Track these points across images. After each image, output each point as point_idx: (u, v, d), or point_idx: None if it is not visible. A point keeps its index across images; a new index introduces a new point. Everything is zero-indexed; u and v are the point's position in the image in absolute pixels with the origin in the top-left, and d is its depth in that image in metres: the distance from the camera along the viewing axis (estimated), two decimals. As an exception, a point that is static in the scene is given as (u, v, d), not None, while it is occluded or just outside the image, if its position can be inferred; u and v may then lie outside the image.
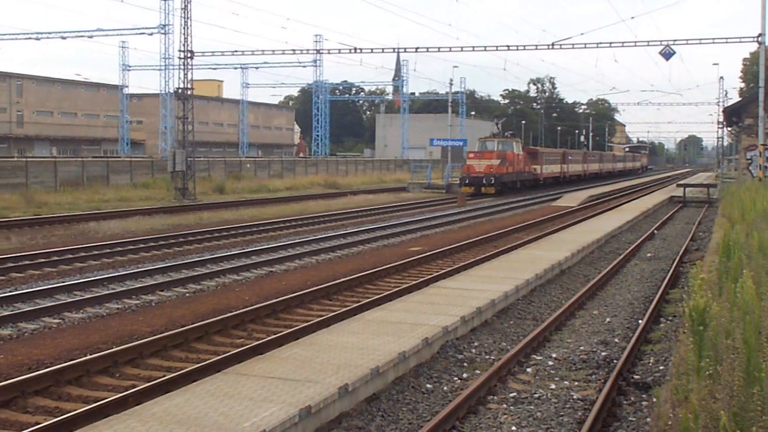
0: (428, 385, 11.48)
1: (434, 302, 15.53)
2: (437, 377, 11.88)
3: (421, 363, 12.30)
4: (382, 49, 78.26)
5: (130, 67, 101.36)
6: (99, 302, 16.98)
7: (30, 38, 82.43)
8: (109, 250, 24.32)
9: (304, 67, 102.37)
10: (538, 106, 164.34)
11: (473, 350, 13.48)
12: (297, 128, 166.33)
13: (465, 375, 12.11)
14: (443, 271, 20.98)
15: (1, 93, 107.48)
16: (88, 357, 12.31)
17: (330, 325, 14.11)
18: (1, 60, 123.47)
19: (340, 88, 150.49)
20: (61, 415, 9.76)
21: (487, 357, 13.16)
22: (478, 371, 12.25)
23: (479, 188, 55.61)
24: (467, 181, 56.22)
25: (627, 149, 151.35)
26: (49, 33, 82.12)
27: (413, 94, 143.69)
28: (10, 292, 17.77)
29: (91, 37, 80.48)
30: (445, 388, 11.46)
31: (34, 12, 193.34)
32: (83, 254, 23.37)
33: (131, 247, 25.20)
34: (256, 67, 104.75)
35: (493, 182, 55.33)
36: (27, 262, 21.66)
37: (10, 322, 14.96)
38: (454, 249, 25.82)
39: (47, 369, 11.67)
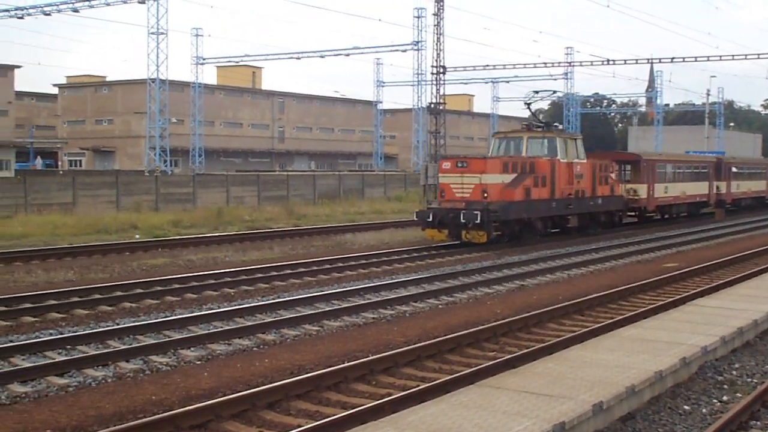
0: (686, 407, 11.09)
1: (691, 321, 14.98)
2: (695, 399, 11.45)
3: (678, 383, 11.90)
4: (636, 60, 76.56)
5: (384, 83, 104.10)
6: (356, 311, 17.55)
7: (291, 58, 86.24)
8: (364, 261, 25.09)
9: (555, 79, 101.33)
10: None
11: (734, 372, 12.89)
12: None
13: (725, 398, 11.59)
14: (700, 289, 20.21)
15: (265, 110, 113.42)
16: (346, 364, 12.73)
17: (583, 341, 13.92)
18: (266, 79, 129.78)
19: (592, 100, 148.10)
20: (321, 419, 10.14)
21: (749, 380, 12.55)
22: (739, 394, 11.70)
23: (457, 231, 29.29)
24: (430, 218, 29.45)
25: None
26: (309, 52, 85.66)
27: (667, 105, 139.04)
28: (273, 299, 18.70)
29: (348, 55, 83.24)
30: (704, 410, 11.03)
31: (294, 33, 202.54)
32: (340, 264, 24.24)
33: (385, 258, 25.90)
34: (507, 81, 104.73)
35: (482, 219, 28.19)
36: (289, 272, 22.70)
37: (273, 328, 15.72)
38: (711, 266, 24.81)
39: (308, 374, 12.17)
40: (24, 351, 13.58)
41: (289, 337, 15.29)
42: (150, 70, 68.80)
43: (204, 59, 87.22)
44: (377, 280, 22.05)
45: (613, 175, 36.77)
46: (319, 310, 17.48)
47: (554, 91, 37.08)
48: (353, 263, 24.63)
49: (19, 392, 11.45)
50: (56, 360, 13.11)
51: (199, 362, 13.38)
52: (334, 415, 10.30)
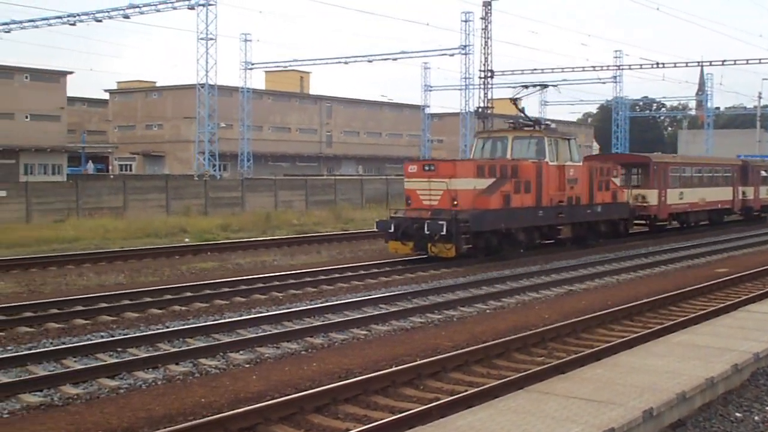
0: (737, 414, 10.94)
1: (743, 326, 14.78)
2: (747, 406, 11.29)
3: (729, 390, 11.74)
4: (686, 63, 75.92)
5: (431, 87, 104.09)
6: (404, 316, 17.56)
7: (339, 62, 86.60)
8: (411, 266, 25.08)
9: (604, 83, 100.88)
10: None
11: (787, 379, 12.70)
12: (596, 145, 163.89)
13: (778, 405, 11.44)
14: (752, 294, 19.96)
15: (313, 115, 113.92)
16: (394, 369, 12.74)
17: (632, 346, 13.79)
18: (313, 84, 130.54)
19: (641, 103, 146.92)
20: (369, 423, 10.15)
21: (803, 387, 12.36)
22: (793, 402, 11.53)
23: (423, 244, 25.64)
24: (392, 229, 26.04)
25: None
26: (357, 57, 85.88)
27: (718, 108, 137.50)
28: (321, 303, 18.77)
29: (395, 59, 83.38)
30: (756, 418, 10.87)
31: (342, 38, 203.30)
32: (387, 269, 24.28)
33: (432, 262, 25.82)
34: (555, 85, 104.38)
35: (449, 230, 24.63)
36: (336, 275, 22.78)
37: (321, 332, 15.78)
38: (764, 272, 24.47)
39: (356, 378, 12.19)
40: (76, 353, 13.77)
41: (337, 341, 15.33)
42: (199, 76, 69.56)
43: (252, 64, 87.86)
44: (424, 284, 22.05)
45: (616, 180, 33.24)
46: (367, 314, 17.52)
47: (544, 86, 34.08)
48: (400, 267, 24.65)
49: (71, 394, 11.61)
50: (107, 362, 13.27)
51: (247, 365, 13.47)
52: (382, 419, 10.32)
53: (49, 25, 65.26)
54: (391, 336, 15.94)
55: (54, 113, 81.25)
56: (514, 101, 31.44)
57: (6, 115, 77.46)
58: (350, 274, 23.15)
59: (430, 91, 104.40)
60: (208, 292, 19.85)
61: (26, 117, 79.99)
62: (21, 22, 65.27)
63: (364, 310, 18.13)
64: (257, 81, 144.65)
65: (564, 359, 13.41)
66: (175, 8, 63.89)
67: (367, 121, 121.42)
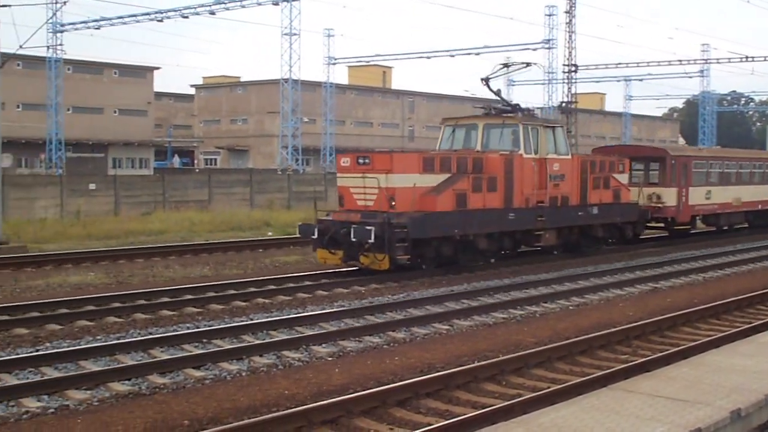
0: (830, 416, 10.69)
1: (836, 327, 14.42)
2: (840, 408, 11.01)
3: (821, 392, 11.47)
4: (776, 56, 73.99)
5: (514, 82, 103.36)
6: (486, 311, 17.52)
7: (421, 57, 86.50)
8: (493, 261, 24.94)
9: (690, 77, 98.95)
10: None
11: None
12: (681, 140, 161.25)
13: None
14: None
15: (395, 109, 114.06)
16: (477, 364, 12.72)
17: (719, 345, 13.54)
18: (395, 78, 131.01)
19: (728, 98, 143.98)
20: (451, 418, 10.15)
21: None
22: None
23: (353, 252, 21.54)
24: (315, 234, 22.11)
25: None
26: (439, 52, 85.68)
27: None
28: (403, 298, 18.82)
29: (478, 54, 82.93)
30: None
31: (424, 32, 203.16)
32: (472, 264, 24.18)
33: (517, 259, 25.64)
34: (640, 79, 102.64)
35: (377, 236, 20.41)
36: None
37: (403, 327, 15.83)
38: None
39: (438, 373, 12.21)
40: (162, 343, 14.03)
41: (419, 336, 15.36)
42: (283, 71, 70.18)
43: (335, 59, 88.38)
44: (506, 279, 21.96)
45: (620, 177, 28.30)
46: (449, 309, 17.52)
47: (528, 64, 26.67)
48: (482, 263, 24.54)
49: (158, 383, 11.84)
50: (193, 353, 13.50)
51: (330, 358, 13.58)
52: (464, 414, 10.31)
53: (138, 21, 66.37)
54: (473, 331, 15.91)
55: (141, 108, 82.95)
56: (486, 81, 25.81)
57: (95, 110, 79.32)
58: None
59: (513, 85, 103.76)
60: (291, 285, 20.04)
61: (114, 112, 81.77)
62: (110, 19, 66.48)
63: (446, 305, 18.12)
64: (341, 76, 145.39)
65: (649, 357, 13.24)
66: (260, 4, 64.38)
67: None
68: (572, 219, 26.21)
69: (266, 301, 18.34)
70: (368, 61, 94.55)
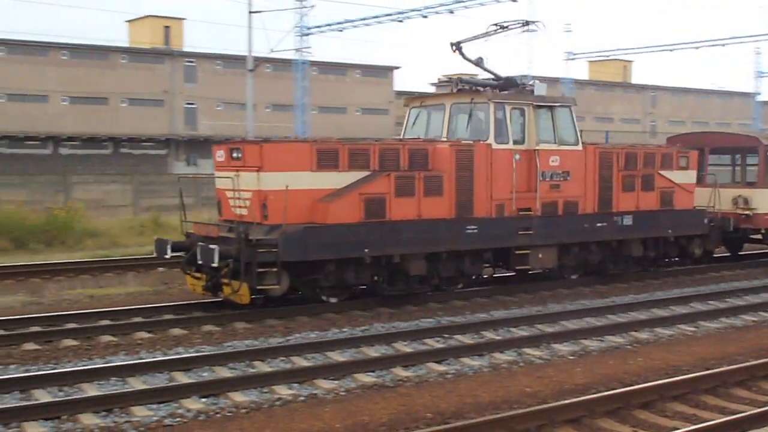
0: None
1: None
2: None
3: None
4: None
5: (763, 73, 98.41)
6: (734, 313, 16.87)
7: (664, 50, 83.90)
8: (729, 260, 23.94)
9: None
10: None
11: None
12: None
13: None
14: None
15: (636, 104, 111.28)
16: (725, 368, 12.27)
17: None
18: (636, 72, 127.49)
19: None
20: (698, 423, 9.86)
21: None
22: None
23: (215, 278, 15.75)
24: (167, 254, 16.56)
25: None
26: (682, 44, 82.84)
27: None
28: (647, 297, 18.43)
29: (724, 45, 79.60)
30: None
31: (667, 24, 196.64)
32: (715, 264, 23.33)
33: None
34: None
35: (224, 259, 15.05)
36: (665, 269, 22.14)
37: (647, 327, 15.49)
38: None
39: (684, 376, 11.87)
40: (405, 337, 14.35)
41: (664, 337, 14.99)
42: (519, 68, 69.76)
43: (574, 54, 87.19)
44: (756, 280, 21.05)
45: (676, 175, 21.08)
46: (695, 310, 17.02)
47: (526, 22, 20.17)
48: (726, 263, 23.61)
49: (402, 376, 12.14)
50: (435, 347, 13.76)
51: (571, 357, 13.48)
52: (712, 419, 10.00)
53: (379, 23, 67.91)
54: (720, 334, 15.35)
55: (383, 107, 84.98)
56: (457, 45, 19.38)
57: (339, 110, 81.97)
58: (677, 267, 22.37)
59: (762, 77, 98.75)
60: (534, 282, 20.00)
61: (357, 111, 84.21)
62: (353, 20, 68.40)
63: (692, 306, 17.60)
64: (581, 71, 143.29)
65: None
66: (498, 1, 64.53)
67: (694, 110, 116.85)
68: (583, 233, 19.29)
69: (508, 297, 18.37)
70: (608, 56, 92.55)
